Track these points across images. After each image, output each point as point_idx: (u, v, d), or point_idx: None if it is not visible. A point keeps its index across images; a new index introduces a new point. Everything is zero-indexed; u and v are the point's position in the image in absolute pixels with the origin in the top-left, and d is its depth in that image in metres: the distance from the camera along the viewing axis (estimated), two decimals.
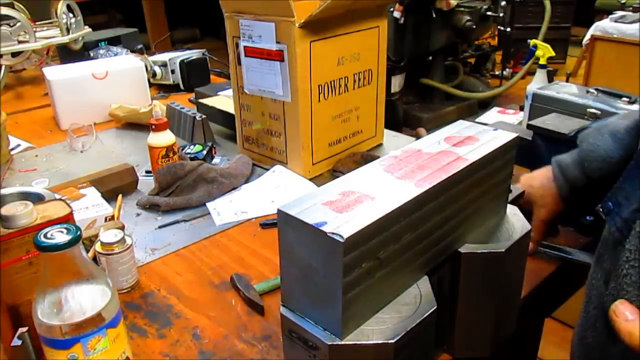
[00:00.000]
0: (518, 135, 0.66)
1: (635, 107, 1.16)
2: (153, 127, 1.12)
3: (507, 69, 4.27)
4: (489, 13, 3.62)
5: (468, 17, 3.50)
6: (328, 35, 1.11)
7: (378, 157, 0.67)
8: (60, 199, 0.75)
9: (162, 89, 1.88)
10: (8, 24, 1.75)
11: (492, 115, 3.68)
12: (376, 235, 0.49)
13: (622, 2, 3.75)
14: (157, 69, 1.84)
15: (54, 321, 0.57)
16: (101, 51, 1.93)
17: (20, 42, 1.78)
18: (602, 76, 2.90)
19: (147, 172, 1.24)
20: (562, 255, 0.88)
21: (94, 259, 0.83)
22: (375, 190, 0.53)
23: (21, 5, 1.86)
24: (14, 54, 1.82)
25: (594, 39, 3.06)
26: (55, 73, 1.57)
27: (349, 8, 1.12)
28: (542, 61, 3.11)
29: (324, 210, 0.50)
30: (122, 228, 0.90)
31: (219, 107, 1.44)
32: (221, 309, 0.81)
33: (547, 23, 3.88)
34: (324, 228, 0.47)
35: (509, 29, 4.05)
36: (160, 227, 1.03)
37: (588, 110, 1.19)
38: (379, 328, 0.52)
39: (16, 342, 0.62)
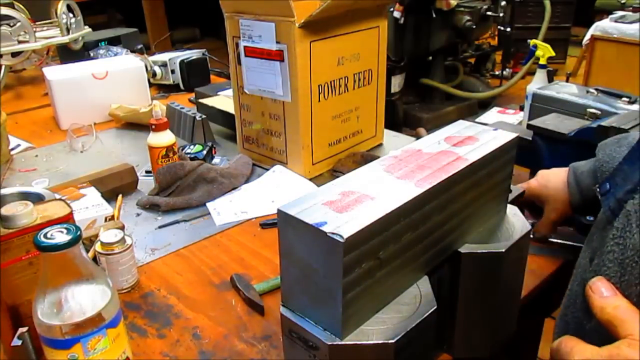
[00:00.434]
0: (518, 135, 0.66)
1: (635, 107, 1.16)
2: (153, 127, 1.12)
3: (507, 69, 4.27)
4: (489, 13, 3.62)
5: (468, 17, 3.50)
6: (328, 35, 1.11)
7: (378, 157, 0.67)
8: (60, 199, 0.75)
9: (162, 89, 1.88)
10: (8, 24, 1.75)
11: (492, 115, 3.68)
12: (376, 235, 0.49)
13: (622, 2, 3.75)
14: (157, 69, 1.84)
15: (54, 321, 0.57)
16: (101, 51, 1.93)
17: (20, 42, 1.78)
18: (602, 76, 2.90)
19: (147, 172, 1.24)
20: (572, 243, 0.89)
21: (94, 259, 0.83)
22: (375, 190, 0.53)
23: (21, 5, 1.86)
24: (14, 54, 1.81)
25: (594, 39, 3.06)
26: (55, 73, 1.57)
27: (349, 8, 1.12)
28: (542, 61, 3.11)
29: (324, 210, 0.50)
30: (122, 228, 0.90)
31: (219, 107, 1.44)
32: (221, 309, 0.81)
33: (547, 23, 3.88)
34: (324, 228, 0.47)
35: (509, 29, 4.05)
36: (160, 227, 1.03)
37: (588, 110, 1.19)
38: (379, 328, 0.52)
39: (16, 342, 0.62)
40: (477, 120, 2.73)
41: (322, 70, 1.13)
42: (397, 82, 3.41)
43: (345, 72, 1.19)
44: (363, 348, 0.51)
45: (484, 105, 3.94)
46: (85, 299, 0.58)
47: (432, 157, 0.60)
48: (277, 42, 1.09)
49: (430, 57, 3.80)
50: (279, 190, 1.14)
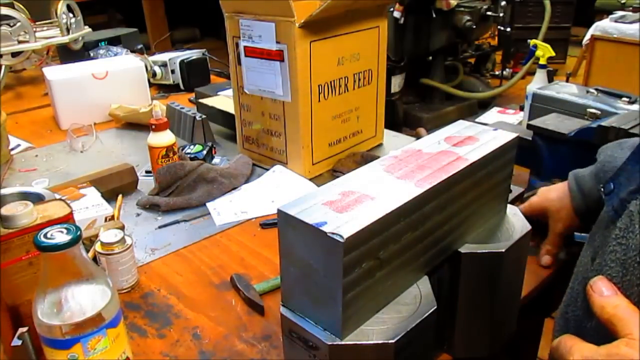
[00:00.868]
0: (518, 135, 0.66)
1: (635, 107, 1.16)
2: (153, 127, 1.12)
3: (507, 69, 4.27)
4: (489, 13, 3.62)
5: (468, 17, 3.50)
6: (328, 35, 1.11)
7: (378, 157, 0.67)
8: (60, 199, 0.75)
9: (162, 89, 1.88)
10: (8, 24, 1.75)
11: (492, 115, 3.68)
12: (376, 235, 0.49)
13: (622, 2, 3.76)
14: (157, 69, 1.84)
15: (54, 321, 0.57)
16: (101, 51, 1.93)
17: (20, 42, 1.78)
18: (602, 76, 2.90)
19: (147, 172, 1.24)
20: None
21: (94, 259, 0.83)
22: (375, 190, 0.53)
23: (21, 5, 1.86)
24: (14, 54, 1.81)
25: (594, 39, 3.06)
26: (55, 73, 1.57)
27: (349, 8, 1.12)
28: (542, 61, 3.11)
29: (324, 210, 0.50)
30: (122, 228, 0.90)
31: (219, 107, 1.44)
32: (221, 309, 0.81)
33: (547, 23, 3.88)
34: (324, 228, 0.47)
35: (509, 29, 4.05)
36: (160, 227, 1.03)
37: (588, 110, 1.19)
38: (379, 328, 0.52)
39: (16, 342, 0.62)
40: (477, 120, 2.73)
41: (322, 70, 1.13)
42: (397, 82, 3.41)
43: (345, 72, 1.19)
44: (363, 348, 0.51)
45: (484, 105, 3.94)
46: (85, 299, 0.58)
47: (432, 157, 0.60)
48: (277, 42, 1.09)
49: (430, 57, 3.80)
50: (279, 190, 1.14)
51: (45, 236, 0.56)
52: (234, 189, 1.15)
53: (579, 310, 0.61)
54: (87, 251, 0.75)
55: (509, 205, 0.71)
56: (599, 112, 1.17)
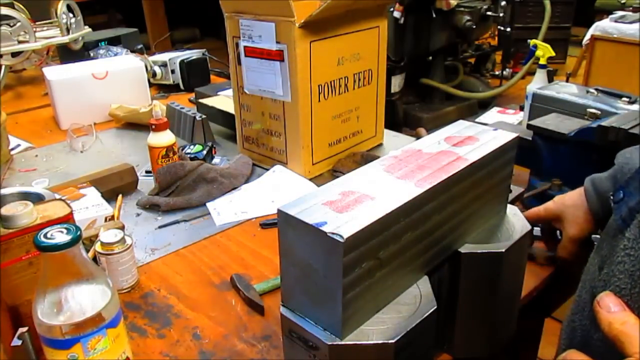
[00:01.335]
0: (518, 135, 0.66)
1: (635, 107, 1.16)
2: (153, 127, 1.12)
3: (507, 69, 4.27)
4: (489, 13, 3.62)
5: (468, 17, 3.50)
6: (328, 35, 1.11)
7: (378, 157, 0.67)
8: (60, 199, 0.75)
9: (162, 89, 1.88)
10: (8, 24, 1.75)
11: (492, 115, 3.68)
12: (376, 235, 0.49)
13: (622, 2, 3.75)
14: (157, 69, 1.84)
15: (54, 321, 0.57)
16: (101, 51, 1.93)
17: (20, 42, 1.78)
18: (602, 76, 2.90)
19: (147, 172, 1.24)
20: None
21: (94, 259, 0.83)
22: (375, 190, 0.53)
23: (21, 5, 1.86)
24: (14, 54, 1.81)
25: (594, 39, 3.06)
26: (55, 73, 1.57)
27: (349, 8, 1.12)
28: (542, 61, 3.10)
29: (324, 210, 0.50)
30: (122, 228, 0.90)
31: (219, 107, 1.44)
32: (221, 309, 0.81)
33: (547, 23, 3.87)
34: (324, 228, 0.47)
35: (509, 29, 4.05)
36: (160, 227, 1.03)
37: (588, 110, 1.19)
38: (379, 328, 0.52)
39: (16, 342, 0.62)
40: (477, 120, 2.73)
41: (322, 70, 1.13)
42: (397, 82, 3.41)
43: (345, 72, 1.19)
44: (363, 348, 0.51)
45: (484, 105, 3.94)
46: (85, 299, 0.58)
47: (432, 157, 0.60)
48: (277, 42, 1.09)
49: (430, 57, 3.80)
50: (279, 190, 1.14)
51: (45, 236, 0.56)
52: (234, 189, 1.15)
53: (586, 319, 0.61)
54: (87, 251, 0.75)
55: (509, 205, 0.71)
56: (599, 112, 1.17)
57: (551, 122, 1.02)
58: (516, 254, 0.66)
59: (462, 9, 3.52)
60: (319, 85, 1.13)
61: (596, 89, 1.29)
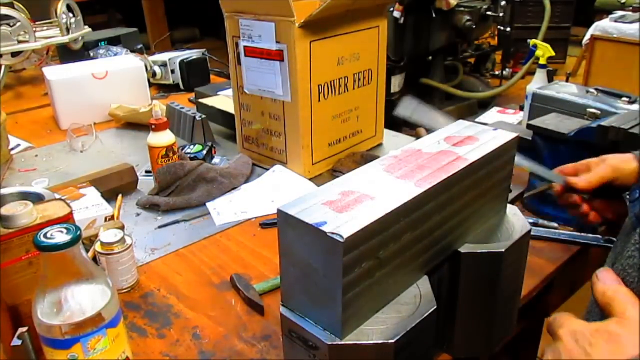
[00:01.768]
0: (518, 135, 0.66)
1: (635, 107, 1.16)
2: (153, 127, 1.12)
3: (507, 69, 4.27)
4: (489, 13, 3.62)
5: (468, 17, 3.50)
6: (328, 35, 1.11)
7: (378, 157, 0.67)
8: (60, 199, 0.75)
9: (162, 89, 1.88)
10: (8, 24, 1.75)
11: (492, 115, 3.67)
12: (376, 235, 0.49)
13: (622, 2, 3.75)
14: (157, 69, 1.84)
15: (54, 321, 0.57)
16: (101, 51, 1.93)
17: (20, 42, 1.78)
18: (602, 76, 2.90)
19: (147, 172, 1.24)
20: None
21: (94, 259, 0.83)
22: (375, 190, 0.53)
23: (21, 5, 1.86)
24: (14, 54, 1.81)
25: (594, 39, 3.06)
26: (55, 73, 1.57)
27: (349, 8, 1.12)
28: (542, 61, 3.10)
29: (324, 210, 0.50)
30: (122, 228, 0.90)
31: (219, 107, 1.44)
32: (221, 309, 0.81)
33: (547, 23, 3.87)
34: (324, 228, 0.47)
35: (509, 29, 4.05)
36: (160, 227, 1.03)
37: (588, 110, 1.19)
38: (379, 328, 0.52)
39: (16, 342, 0.62)
40: (477, 120, 2.72)
41: (322, 70, 1.13)
42: (397, 82, 3.41)
43: (345, 72, 1.19)
44: (363, 348, 0.51)
45: (484, 105, 3.93)
46: (85, 299, 0.58)
47: (432, 157, 0.60)
48: (277, 42, 1.09)
49: (430, 57, 3.80)
50: (279, 190, 1.14)
51: (45, 236, 0.56)
52: (234, 189, 1.15)
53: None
54: (87, 251, 0.75)
55: (509, 205, 0.71)
56: (599, 112, 1.17)
57: (551, 122, 1.02)
58: (516, 254, 0.66)
59: (462, 9, 3.52)
60: (319, 85, 1.13)
61: (596, 89, 1.29)
